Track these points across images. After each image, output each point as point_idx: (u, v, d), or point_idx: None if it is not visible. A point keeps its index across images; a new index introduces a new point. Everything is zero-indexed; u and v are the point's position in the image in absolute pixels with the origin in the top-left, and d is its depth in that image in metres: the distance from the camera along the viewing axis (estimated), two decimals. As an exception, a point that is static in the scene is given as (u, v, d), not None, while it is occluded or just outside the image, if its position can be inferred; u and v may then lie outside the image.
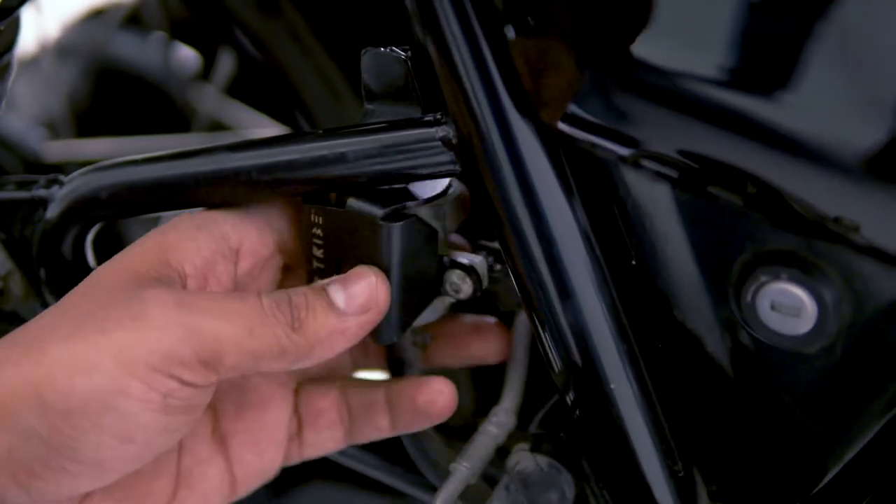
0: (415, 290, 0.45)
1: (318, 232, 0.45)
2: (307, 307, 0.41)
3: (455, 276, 0.46)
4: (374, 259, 0.43)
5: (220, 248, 0.43)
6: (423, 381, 0.48)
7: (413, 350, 0.49)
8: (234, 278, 0.44)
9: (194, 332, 0.39)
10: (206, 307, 0.40)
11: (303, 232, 0.45)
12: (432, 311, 0.47)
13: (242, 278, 0.45)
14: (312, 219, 0.45)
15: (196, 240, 0.43)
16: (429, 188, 0.45)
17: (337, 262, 0.45)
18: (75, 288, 0.42)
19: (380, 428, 0.49)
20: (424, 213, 0.44)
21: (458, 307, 0.50)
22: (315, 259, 0.45)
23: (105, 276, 0.42)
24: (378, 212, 0.43)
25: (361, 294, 0.42)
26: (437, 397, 0.47)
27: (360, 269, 0.43)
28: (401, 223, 0.43)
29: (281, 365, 0.41)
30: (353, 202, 0.43)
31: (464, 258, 0.46)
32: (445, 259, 0.46)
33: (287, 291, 0.42)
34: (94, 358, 0.38)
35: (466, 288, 0.46)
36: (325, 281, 0.43)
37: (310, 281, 0.46)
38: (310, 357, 0.41)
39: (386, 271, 0.43)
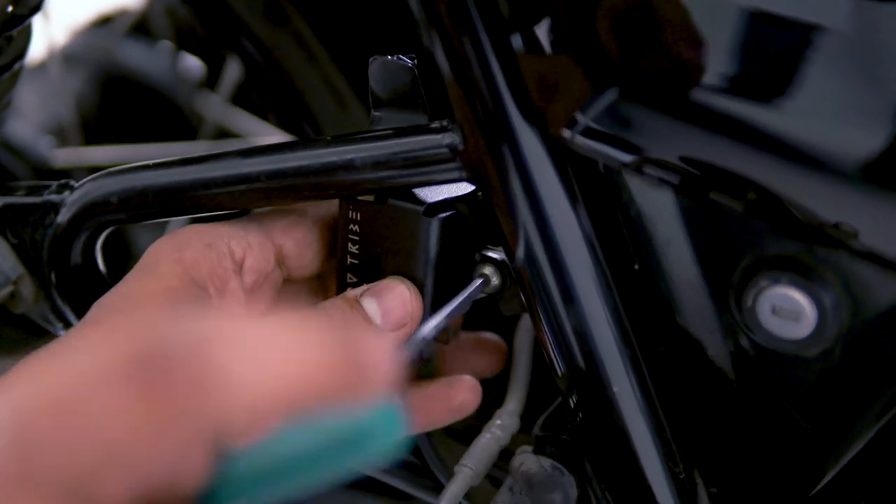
0: (447, 285, 0.45)
1: (356, 228, 0.45)
2: (347, 326, 0.42)
3: (485, 270, 0.46)
4: (412, 253, 0.44)
5: (230, 265, 0.44)
6: (455, 382, 0.49)
7: (434, 345, 0.49)
8: (244, 294, 0.45)
9: None
10: None
11: (339, 229, 0.46)
12: (459, 305, 0.48)
13: (246, 294, 0.45)
14: (350, 215, 0.45)
15: (210, 259, 0.43)
16: (464, 186, 0.45)
17: (372, 259, 0.45)
18: (107, 303, 0.42)
19: None
20: (462, 208, 0.45)
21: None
22: (350, 255, 0.46)
23: (138, 293, 0.42)
24: (419, 207, 0.44)
25: (397, 309, 0.43)
26: (472, 394, 0.49)
27: (392, 283, 0.44)
28: (443, 216, 0.44)
29: None
30: (393, 200, 0.44)
31: (495, 253, 0.46)
32: (476, 254, 0.46)
33: (325, 308, 0.43)
34: None
35: (496, 282, 0.46)
36: (357, 291, 0.44)
37: (342, 277, 0.47)
38: None
39: (423, 265, 0.44)
